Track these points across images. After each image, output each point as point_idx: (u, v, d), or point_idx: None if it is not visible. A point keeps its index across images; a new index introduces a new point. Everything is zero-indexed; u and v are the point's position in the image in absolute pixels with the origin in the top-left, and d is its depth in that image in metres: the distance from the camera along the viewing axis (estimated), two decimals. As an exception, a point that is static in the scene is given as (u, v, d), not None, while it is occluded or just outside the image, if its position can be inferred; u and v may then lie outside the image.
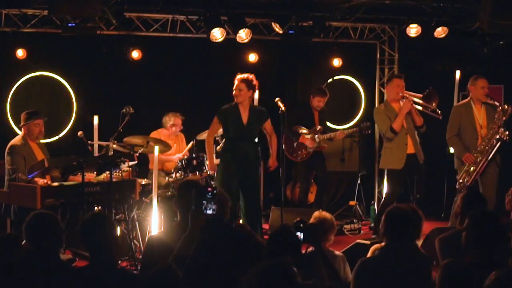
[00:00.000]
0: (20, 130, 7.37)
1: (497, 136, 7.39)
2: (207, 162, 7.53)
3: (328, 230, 4.71)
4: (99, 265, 3.78)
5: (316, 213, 4.77)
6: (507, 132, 7.38)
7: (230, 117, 7.23)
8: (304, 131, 8.62)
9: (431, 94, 7.58)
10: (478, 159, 7.44)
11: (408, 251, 4.01)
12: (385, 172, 7.92)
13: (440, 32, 8.91)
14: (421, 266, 4.04)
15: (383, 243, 4.60)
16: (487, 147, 7.43)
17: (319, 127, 8.66)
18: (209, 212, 3.89)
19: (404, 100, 7.59)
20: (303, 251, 4.21)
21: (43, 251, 3.94)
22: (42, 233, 3.98)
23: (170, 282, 3.37)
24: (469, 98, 7.74)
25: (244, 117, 7.21)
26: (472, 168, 7.48)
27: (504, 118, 7.42)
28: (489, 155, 7.42)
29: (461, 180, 7.56)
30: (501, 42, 8.92)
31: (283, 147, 8.59)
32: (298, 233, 3.98)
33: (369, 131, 8.64)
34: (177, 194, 4.68)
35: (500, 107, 7.46)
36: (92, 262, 3.85)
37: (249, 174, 7.30)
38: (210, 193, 3.91)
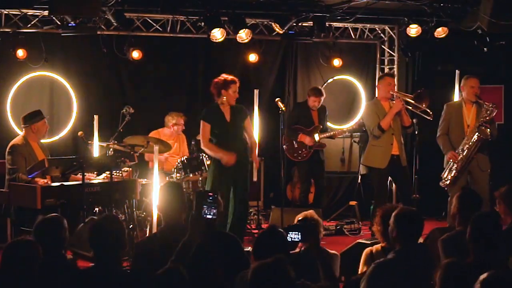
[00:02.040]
0: (22, 130, 7.37)
1: (476, 135, 7.40)
2: (223, 158, 6.87)
3: (318, 225, 4.71)
4: (105, 267, 3.75)
5: (300, 215, 4.73)
6: (488, 130, 7.37)
7: (214, 117, 7.00)
8: (301, 130, 8.62)
9: (422, 94, 7.59)
10: (459, 157, 7.47)
11: (419, 252, 4.00)
12: (361, 170, 7.95)
13: (440, 32, 8.91)
14: (429, 267, 4.03)
15: (382, 245, 4.61)
16: (467, 146, 7.45)
17: (318, 126, 8.66)
18: (209, 216, 3.90)
19: (394, 99, 7.59)
20: (297, 250, 4.21)
21: (50, 253, 3.96)
22: (53, 236, 4.06)
23: (177, 283, 3.36)
24: (461, 98, 7.79)
25: (227, 115, 7.05)
26: (454, 166, 7.52)
27: (487, 117, 7.42)
28: (470, 153, 7.44)
29: (444, 178, 7.59)
30: (502, 43, 8.91)
31: (284, 147, 8.59)
32: (296, 233, 3.97)
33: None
34: (160, 198, 4.62)
35: (485, 106, 7.45)
36: (98, 263, 3.82)
37: (241, 173, 7.03)
38: (210, 198, 3.92)
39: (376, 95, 7.98)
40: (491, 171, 7.68)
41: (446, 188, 7.60)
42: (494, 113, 7.42)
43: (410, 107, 7.59)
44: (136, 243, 5.53)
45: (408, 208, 4.22)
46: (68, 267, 4.12)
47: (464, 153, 7.45)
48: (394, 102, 7.58)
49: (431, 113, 7.53)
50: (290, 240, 3.94)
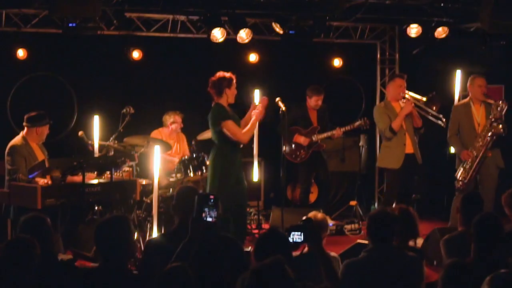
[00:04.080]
0: (23, 129, 7.36)
1: (490, 132, 7.44)
2: (258, 116, 6.85)
3: (322, 229, 4.72)
4: (110, 267, 3.74)
5: (311, 214, 4.76)
6: (500, 126, 7.41)
7: (232, 117, 6.83)
8: (299, 132, 8.63)
9: (433, 98, 7.61)
10: (474, 156, 7.50)
11: (393, 253, 4.02)
12: (384, 171, 7.98)
13: (441, 32, 8.91)
14: (408, 269, 4.03)
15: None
16: (480, 144, 7.49)
17: (316, 127, 8.64)
18: (209, 219, 3.90)
19: (404, 100, 7.60)
20: (299, 252, 4.20)
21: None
22: (34, 235, 3.99)
23: (182, 281, 3.36)
24: (468, 97, 7.82)
25: (234, 114, 6.91)
26: (469, 165, 7.53)
27: (498, 114, 7.45)
28: (484, 151, 7.48)
29: (460, 178, 7.61)
30: (503, 43, 8.92)
31: (283, 149, 8.59)
32: (298, 233, 3.96)
33: (367, 127, 8.61)
34: (176, 199, 4.64)
35: (495, 103, 7.49)
36: (103, 264, 3.80)
37: (242, 172, 6.98)
38: (211, 200, 3.91)
39: (386, 96, 8.01)
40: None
41: (461, 188, 7.57)
42: (505, 109, 7.48)
43: (421, 111, 7.61)
44: (148, 240, 5.55)
45: (383, 209, 4.24)
46: (60, 265, 4.10)
47: (479, 151, 7.49)
48: (404, 102, 7.58)
49: (443, 119, 7.55)
50: (292, 240, 3.93)
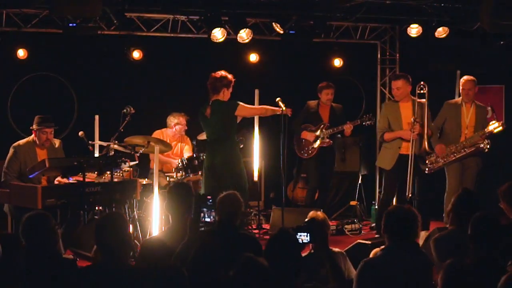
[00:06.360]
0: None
1: (478, 144, 7.60)
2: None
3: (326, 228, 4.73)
4: (111, 263, 3.75)
5: (311, 214, 4.76)
6: (488, 145, 7.57)
7: None
8: (309, 128, 8.64)
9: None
10: (450, 154, 7.70)
11: (410, 251, 4.02)
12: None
13: (441, 32, 8.91)
14: (423, 266, 4.04)
15: (382, 246, 4.62)
16: (465, 149, 7.66)
17: (325, 124, 8.63)
18: (208, 220, 3.90)
19: (414, 124, 7.49)
20: (308, 252, 4.21)
21: (42, 250, 3.97)
22: (38, 232, 4.06)
23: (177, 281, 3.37)
24: (460, 98, 7.98)
25: None
26: (439, 159, 7.74)
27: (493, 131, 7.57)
28: (462, 155, 7.68)
29: (428, 162, 7.79)
30: (501, 42, 8.92)
31: (294, 145, 8.62)
32: (305, 234, 3.97)
33: (370, 122, 8.56)
34: (168, 197, 4.62)
35: (495, 122, 7.62)
36: (104, 260, 3.81)
37: None
38: (210, 201, 3.92)
39: (386, 97, 8.12)
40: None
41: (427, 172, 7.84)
42: (492, 114, 7.70)
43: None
44: (143, 240, 5.54)
45: (400, 206, 4.23)
46: (64, 263, 4.11)
47: (459, 154, 7.68)
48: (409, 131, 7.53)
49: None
50: (301, 241, 3.94)
